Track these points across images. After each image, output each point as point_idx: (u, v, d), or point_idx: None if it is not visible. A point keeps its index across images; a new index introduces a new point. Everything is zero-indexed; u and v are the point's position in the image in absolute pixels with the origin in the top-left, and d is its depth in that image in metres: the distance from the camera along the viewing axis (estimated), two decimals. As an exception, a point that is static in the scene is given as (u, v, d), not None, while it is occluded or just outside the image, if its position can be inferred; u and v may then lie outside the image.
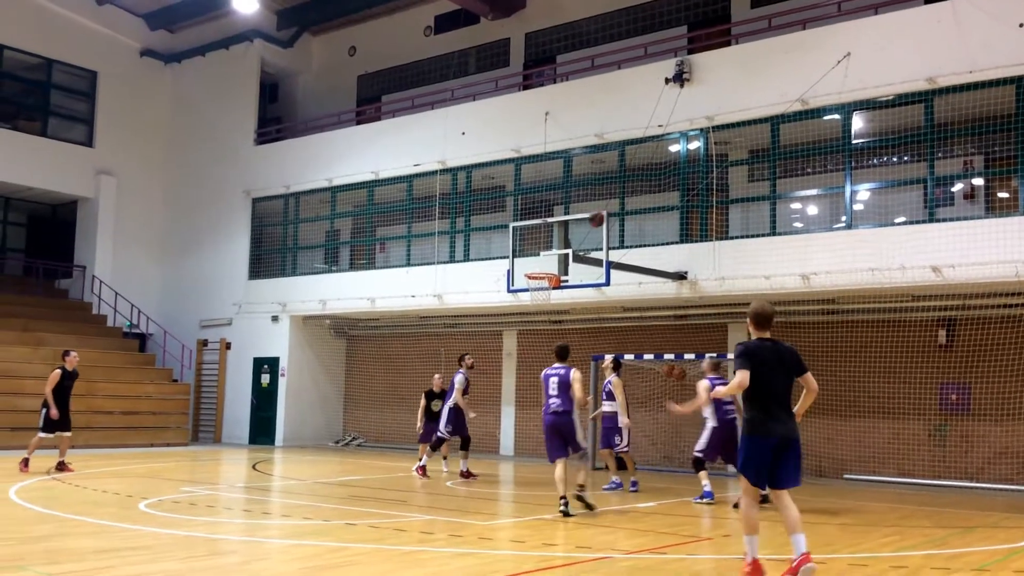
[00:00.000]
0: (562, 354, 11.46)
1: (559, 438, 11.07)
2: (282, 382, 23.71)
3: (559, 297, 17.60)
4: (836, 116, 16.13)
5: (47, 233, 27.70)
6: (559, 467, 10.89)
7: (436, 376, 17.09)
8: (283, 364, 23.74)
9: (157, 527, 9.31)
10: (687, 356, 17.32)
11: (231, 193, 25.53)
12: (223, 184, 25.78)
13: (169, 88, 27.92)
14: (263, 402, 24.17)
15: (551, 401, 11.13)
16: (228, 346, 25.05)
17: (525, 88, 21.58)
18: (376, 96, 26.03)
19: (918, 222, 15.27)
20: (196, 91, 27.30)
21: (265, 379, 24.21)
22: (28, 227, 28.04)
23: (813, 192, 17.26)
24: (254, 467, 17.15)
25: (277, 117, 27.65)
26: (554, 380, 11.13)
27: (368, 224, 23.06)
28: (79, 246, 26.62)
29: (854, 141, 16.11)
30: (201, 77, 27.22)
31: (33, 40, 25.26)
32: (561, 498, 10.64)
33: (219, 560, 8.00)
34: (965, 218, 14.88)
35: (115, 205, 26.46)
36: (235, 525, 10.35)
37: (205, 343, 25.82)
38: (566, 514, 10.51)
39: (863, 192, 16.52)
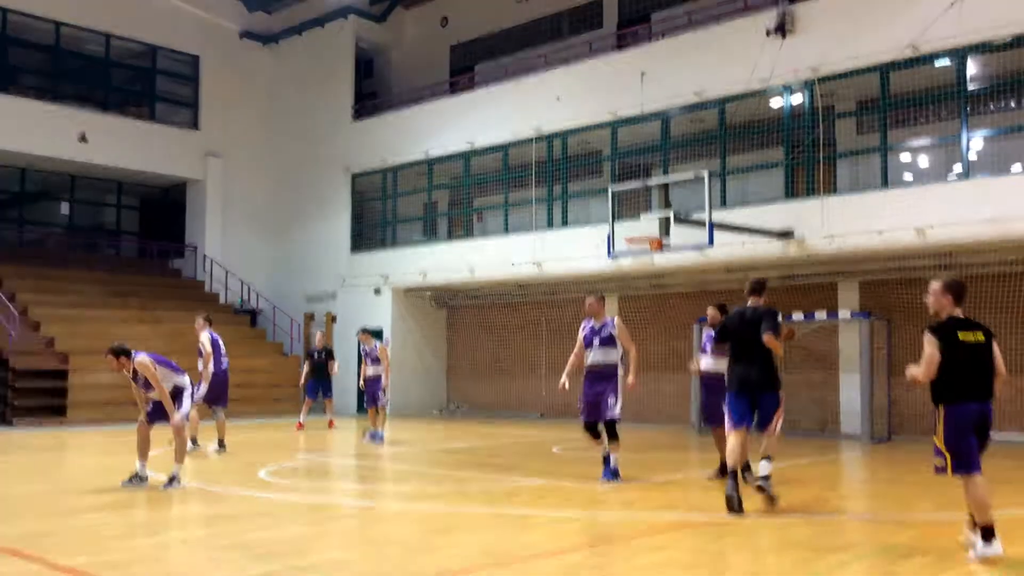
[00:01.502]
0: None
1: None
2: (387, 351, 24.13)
3: (661, 260, 17.38)
4: (949, 61, 15.37)
5: (159, 215, 28.74)
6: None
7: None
8: (386, 335, 24.14)
9: (278, 494, 9.59)
10: (795, 317, 16.90)
11: (331, 169, 25.98)
12: (323, 160, 26.25)
13: (268, 68, 28.50)
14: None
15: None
16: (333, 319, 25.60)
17: (619, 49, 21.22)
18: (469, 66, 26.02)
19: (1041, 169, 14.48)
20: (294, 70, 27.80)
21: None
22: (141, 210, 29.14)
23: (926, 142, 16.53)
24: (364, 435, 17.53)
25: (373, 92, 27.95)
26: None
27: (465, 194, 23.16)
28: (190, 226, 27.56)
29: (969, 87, 15.33)
30: (298, 56, 27.69)
31: (137, 28, 26.08)
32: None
33: (339, 524, 8.19)
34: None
35: (222, 185, 27.26)
36: (351, 491, 10.59)
37: (312, 316, 26.45)
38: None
39: (979, 140, 15.73)
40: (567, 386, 10.60)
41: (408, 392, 24.30)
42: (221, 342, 13.77)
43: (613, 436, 10.26)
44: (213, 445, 13.70)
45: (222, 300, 26.52)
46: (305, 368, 18.68)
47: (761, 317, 8.51)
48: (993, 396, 6.34)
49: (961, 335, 6.25)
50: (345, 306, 25.35)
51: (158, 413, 9.95)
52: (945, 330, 6.27)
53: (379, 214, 25.14)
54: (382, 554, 6.56)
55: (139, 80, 27.40)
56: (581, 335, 10.37)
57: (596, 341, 10.19)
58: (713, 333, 10.17)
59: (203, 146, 27.07)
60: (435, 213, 24.50)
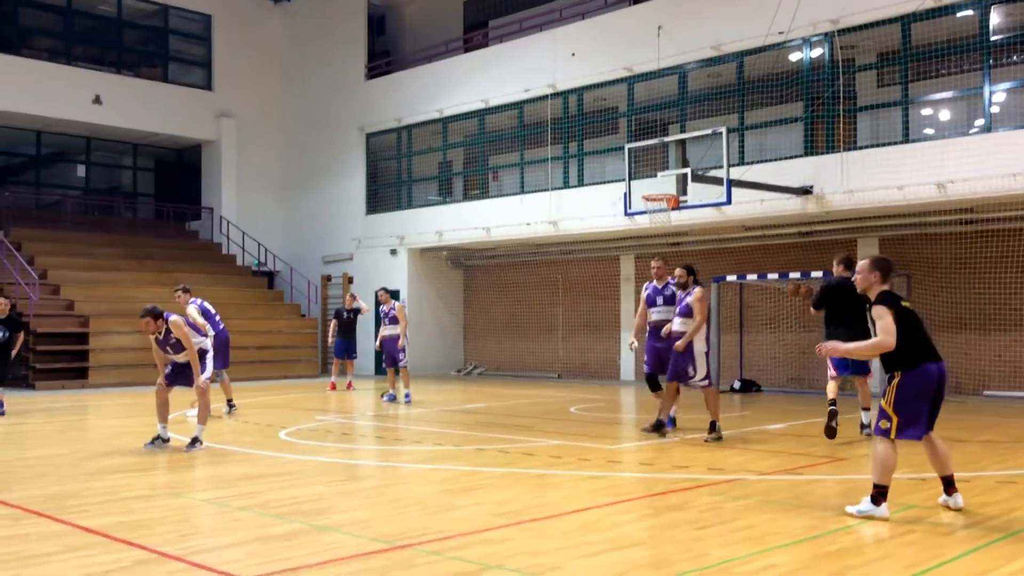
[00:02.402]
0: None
1: None
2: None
3: (678, 218, 17.27)
4: (972, 11, 15.06)
5: (174, 177, 28.79)
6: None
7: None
8: (403, 296, 24.18)
9: (298, 454, 9.67)
10: (814, 274, 16.78)
11: (346, 129, 25.87)
12: (337, 120, 26.13)
13: (280, 27, 28.30)
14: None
15: None
16: (350, 280, 25.66)
17: (635, 2, 20.89)
18: (483, 21, 25.71)
19: (1066, 121, 14.22)
20: (306, 29, 27.58)
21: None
22: (156, 172, 29.20)
23: (948, 95, 16.26)
24: (383, 396, 17.64)
25: (386, 50, 27.72)
26: None
27: (480, 153, 23.02)
28: (205, 188, 27.59)
29: (993, 37, 15.03)
30: (310, 14, 27.46)
31: (150, -12, 25.95)
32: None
33: (359, 484, 8.26)
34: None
35: (236, 146, 27.22)
36: (370, 451, 10.67)
37: (329, 278, 26.52)
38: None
39: (1002, 93, 15.45)
40: (635, 345, 11.47)
41: (425, 353, 24.38)
42: (208, 305, 13.72)
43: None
44: (223, 407, 13.81)
45: (239, 262, 26.61)
46: (332, 327, 18.73)
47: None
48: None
49: (904, 303, 6.47)
50: (361, 267, 25.39)
51: (178, 376, 10.02)
52: (894, 299, 6.41)
53: (394, 174, 25.06)
54: (402, 513, 6.61)
55: (152, 41, 27.28)
56: (644, 295, 11.27)
57: (660, 300, 11.11)
58: (683, 293, 10.87)
59: (217, 107, 27.00)
60: (450, 172, 24.40)
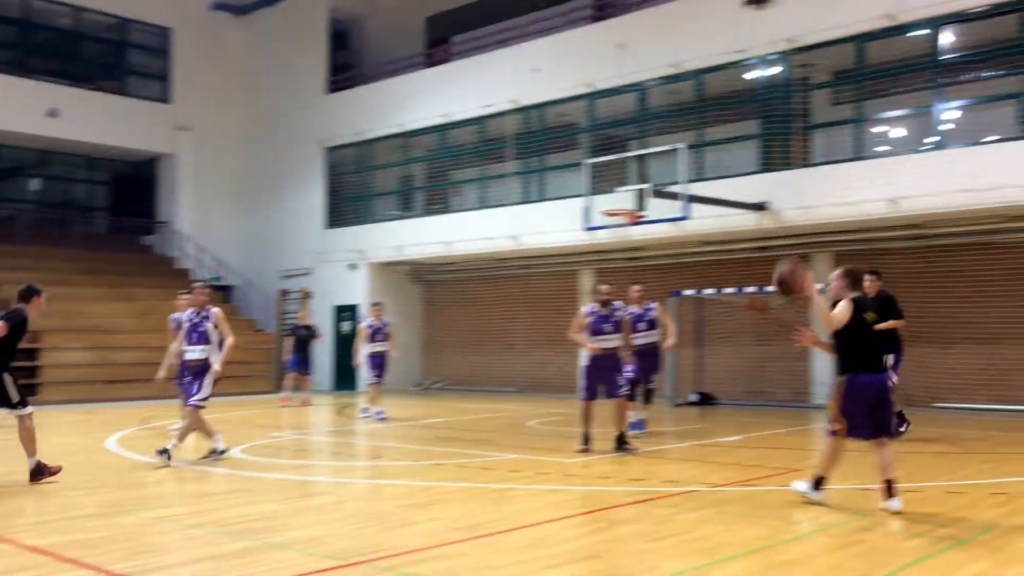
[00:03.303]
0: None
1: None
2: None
3: (637, 233, 17.40)
4: (925, 31, 15.39)
5: (131, 190, 28.40)
6: None
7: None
8: (362, 311, 24.03)
9: (253, 471, 9.56)
10: (769, 289, 16.94)
11: (305, 143, 25.76)
12: (297, 134, 26.01)
13: (241, 41, 28.13)
14: (344, 349, 24.54)
15: None
16: (308, 295, 25.46)
17: (596, 20, 21.06)
18: (445, 37, 25.76)
19: (1013, 139, 14.57)
20: (267, 42, 27.46)
21: (345, 326, 24.57)
22: (112, 185, 28.79)
23: (900, 113, 16.58)
24: (341, 411, 17.53)
25: (348, 64, 27.65)
26: None
27: (441, 168, 23.03)
28: (162, 202, 27.28)
29: (944, 57, 15.38)
30: (272, 27, 27.35)
31: (108, 0, 25.63)
32: None
33: (314, 501, 8.18)
34: (1064, 133, 14.14)
35: (194, 160, 26.96)
36: (326, 468, 10.58)
37: (286, 293, 26.31)
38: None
39: (953, 110, 15.80)
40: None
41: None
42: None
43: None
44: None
45: (194, 276, 26.28)
46: (289, 343, 18.58)
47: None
48: (885, 368, 7.10)
49: (864, 313, 6.98)
50: (320, 282, 25.22)
51: (191, 385, 9.95)
52: (859, 304, 6.95)
53: (354, 188, 24.98)
54: (357, 530, 6.57)
55: (110, 53, 26.98)
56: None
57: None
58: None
59: (175, 120, 26.73)
60: (411, 187, 24.37)
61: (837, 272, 7.16)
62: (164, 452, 9.59)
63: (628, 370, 11.52)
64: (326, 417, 16.72)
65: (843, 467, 8.29)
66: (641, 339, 12.18)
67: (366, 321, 15.95)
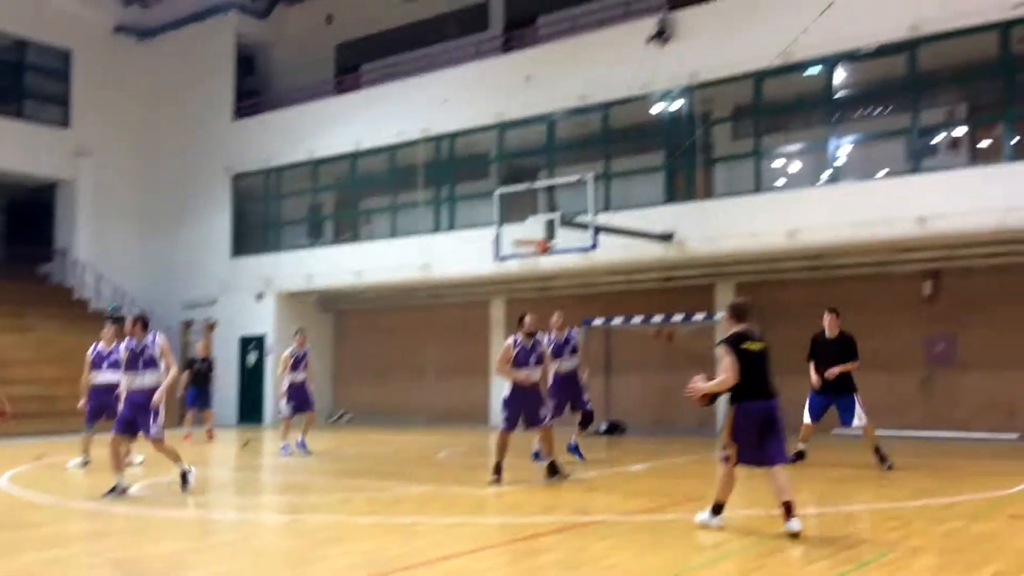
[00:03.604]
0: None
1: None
2: (269, 360, 23.55)
3: (547, 263, 17.57)
4: (819, 69, 16.05)
5: (27, 217, 27.39)
6: None
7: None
8: (269, 342, 23.63)
9: (152, 508, 9.27)
10: (675, 318, 17.33)
11: (211, 170, 25.28)
12: (202, 161, 25.52)
13: (144, 65, 27.51)
14: (250, 381, 24.04)
15: None
16: (212, 327, 24.89)
17: (506, 52, 21.34)
18: (355, 65, 25.71)
19: (902, 174, 15.27)
20: (172, 67, 26.91)
21: (251, 358, 24.09)
22: (8, 212, 27.71)
23: (797, 147, 17.21)
24: (245, 444, 17.12)
25: (255, 90, 27.31)
26: None
27: (352, 197, 22.88)
28: (60, 229, 26.36)
29: (837, 94, 16.06)
30: (176, 52, 26.83)
31: (5, 20, 24.82)
32: None
33: (217, 539, 7.98)
34: (949, 168, 14.90)
35: (94, 186, 26.19)
36: (231, 503, 10.33)
37: (190, 323, 25.65)
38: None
39: (846, 146, 16.48)
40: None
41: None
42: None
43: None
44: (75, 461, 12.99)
45: (94, 306, 25.46)
46: (185, 377, 17.96)
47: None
48: (776, 394, 7.44)
49: (744, 345, 7.34)
50: (225, 312, 24.68)
51: (130, 424, 9.68)
52: (731, 341, 7.36)
53: (262, 216, 24.58)
54: (264, 567, 6.43)
55: (6, 75, 26.03)
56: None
57: (566, 351, 12.42)
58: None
59: (74, 145, 25.93)
60: (321, 215, 24.12)
61: (725, 311, 7.70)
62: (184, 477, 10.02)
63: (552, 398, 11.82)
64: (228, 451, 16.31)
65: (749, 494, 8.50)
66: (567, 365, 12.40)
67: (288, 349, 15.33)
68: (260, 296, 23.94)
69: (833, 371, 11.42)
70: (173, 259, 26.08)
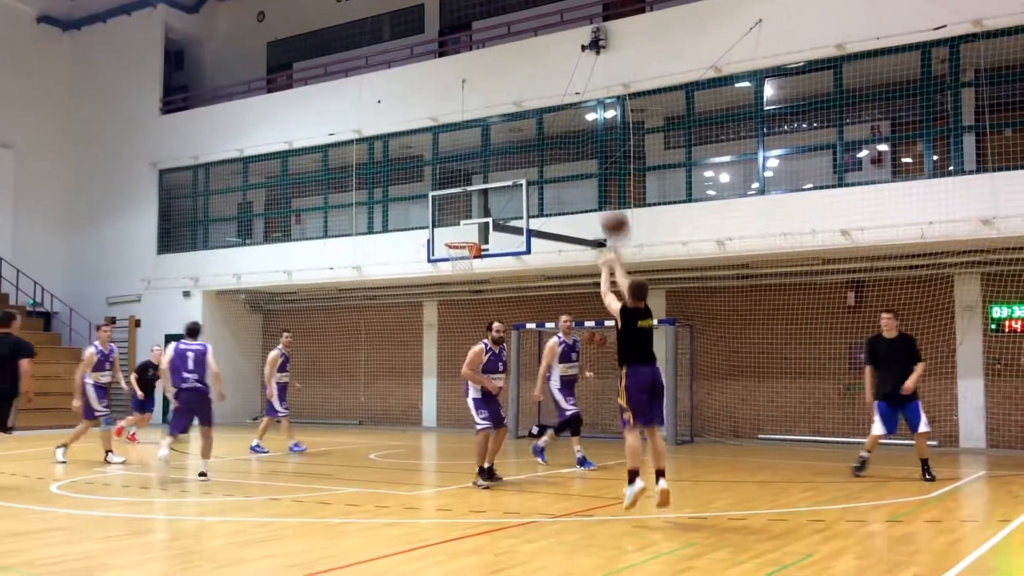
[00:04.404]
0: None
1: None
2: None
3: (480, 266, 17.57)
4: (748, 83, 16.37)
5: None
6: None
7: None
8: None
9: (72, 508, 9.00)
10: (607, 323, 17.44)
11: (137, 164, 24.69)
12: (128, 155, 24.91)
13: (68, 56, 26.75)
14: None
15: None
16: (138, 323, 24.30)
17: (441, 55, 21.33)
18: (287, 63, 25.41)
19: (828, 187, 15.65)
20: (97, 59, 26.23)
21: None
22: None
23: (727, 159, 17.53)
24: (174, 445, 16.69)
25: (184, 85, 26.77)
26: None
27: (283, 195, 22.58)
28: (-25, 223, 25.42)
29: (766, 108, 16.40)
30: (102, 44, 26.16)
31: (-82, 5, 23.92)
32: None
33: (140, 539, 7.77)
34: (873, 182, 15.35)
35: (13, 179, 25.35)
36: (154, 504, 10.08)
37: (113, 320, 24.98)
38: None
39: (775, 158, 16.84)
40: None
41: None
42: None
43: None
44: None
45: (12, 301, 24.62)
46: (133, 379, 17.27)
47: None
48: (656, 360, 8.12)
49: (639, 321, 8.09)
50: (151, 309, 24.10)
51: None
52: (627, 311, 8.11)
53: (189, 213, 24.09)
54: (185, 570, 6.29)
55: (-82, 61, 25.08)
56: (560, 350, 12.55)
57: (573, 356, 12.80)
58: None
59: (-8, 136, 25.08)
60: (250, 213, 23.73)
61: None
62: (204, 474, 11.17)
63: (571, 403, 12.51)
64: (152, 452, 15.89)
65: (679, 498, 8.61)
66: (573, 370, 12.73)
67: (277, 349, 15.51)
68: (187, 294, 23.46)
69: (909, 385, 10.92)
70: (97, 255, 25.39)
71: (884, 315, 11.35)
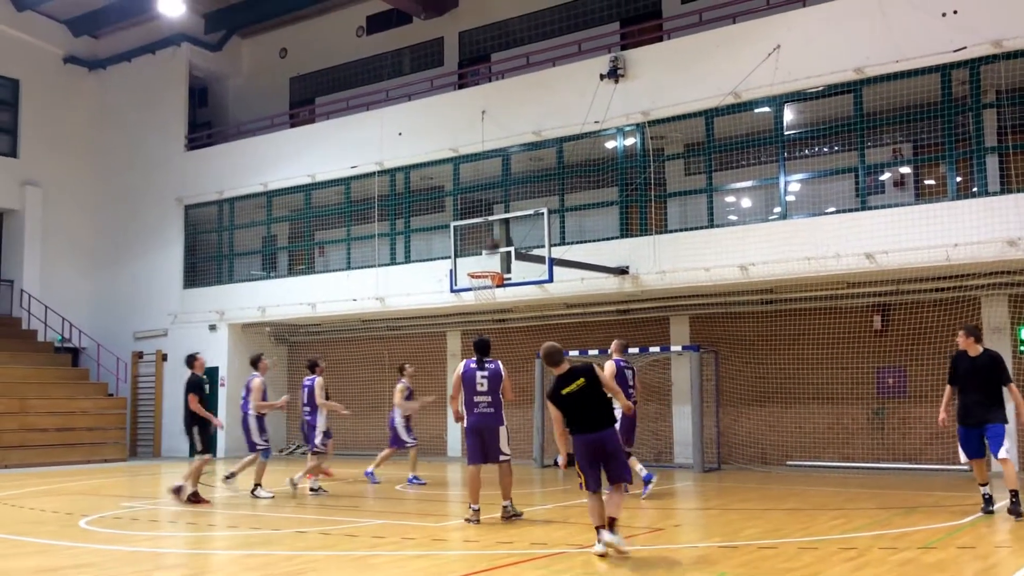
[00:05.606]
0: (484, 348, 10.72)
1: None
2: (221, 392, 23.22)
3: (502, 295, 17.59)
4: (768, 108, 16.39)
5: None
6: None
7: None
8: (222, 374, 23.29)
9: (100, 544, 9.05)
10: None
11: (163, 200, 25.01)
12: (154, 191, 25.24)
13: (95, 95, 27.22)
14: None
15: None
16: (164, 357, 24.50)
17: (461, 87, 21.52)
18: (310, 98, 25.73)
19: (851, 210, 15.59)
20: (123, 97, 26.66)
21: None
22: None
23: (748, 184, 17.51)
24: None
25: (208, 122, 27.15)
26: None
27: (306, 228, 22.77)
28: (6, 260, 25.81)
29: (786, 132, 16.38)
30: (127, 83, 26.59)
31: (-50, 49, 24.46)
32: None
33: (168, 574, 7.80)
34: (896, 205, 15.26)
35: (42, 216, 25.75)
36: (181, 538, 10.12)
37: (140, 355, 25.23)
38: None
39: (796, 183, 16.81)
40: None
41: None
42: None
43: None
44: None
45: (40, 337, 24.93)
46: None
47: None
48: (607, 425, 8.09)
49: (563, 390, 8.07)
50: (177, 344, 24.27)
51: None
52: (550, 394, 8.16)
53: (215, 247, 24.34)
54: (215, 605, 6.30)
55: (-49, 104, 25.61)
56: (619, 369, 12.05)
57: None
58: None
59: (22, 175, 25.50)
60: (274, 247, 23.94)
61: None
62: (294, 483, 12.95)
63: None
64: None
65: (707, 526, 8.53)
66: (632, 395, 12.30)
67: (402, 382, 16.11)
68: (213, 327, 23.64)
69: (944, 417, 10.46)
70: (123, 290, 25.67)
71: (961, 334, 10.44)
